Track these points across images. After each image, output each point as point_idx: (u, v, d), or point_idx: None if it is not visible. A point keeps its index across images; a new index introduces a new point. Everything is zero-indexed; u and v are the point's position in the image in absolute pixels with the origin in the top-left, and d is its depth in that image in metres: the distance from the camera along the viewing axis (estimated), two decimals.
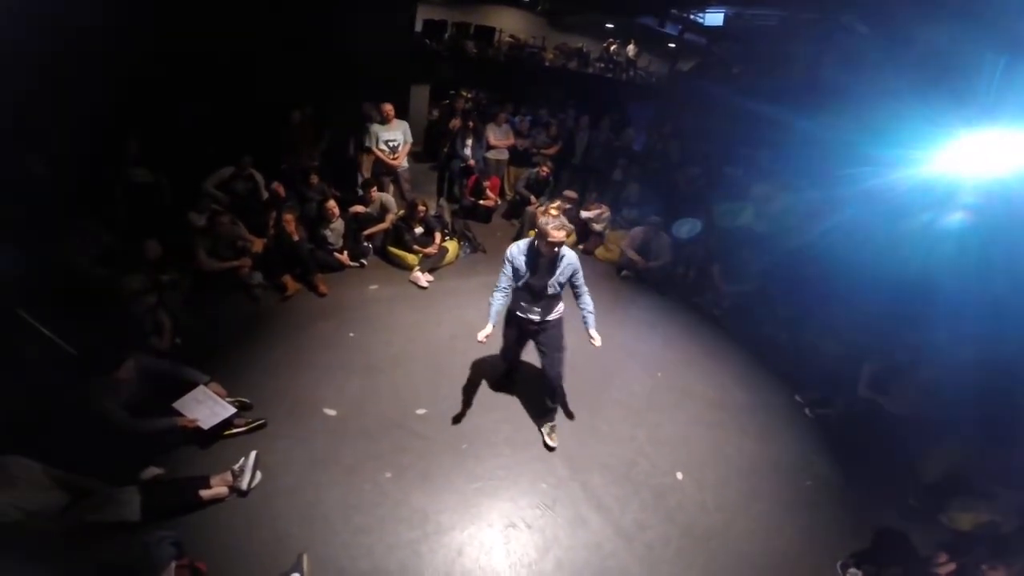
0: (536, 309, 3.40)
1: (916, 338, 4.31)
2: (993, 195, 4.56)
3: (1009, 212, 4.45)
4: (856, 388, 4.36)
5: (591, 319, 3.28)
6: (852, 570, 3.16)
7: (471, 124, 7.03)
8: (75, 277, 3.96)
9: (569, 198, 6.96)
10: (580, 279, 3.25)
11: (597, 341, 3.26)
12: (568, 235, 6.42)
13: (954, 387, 3.89)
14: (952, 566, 2.97)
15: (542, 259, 3.17)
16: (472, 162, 7.21)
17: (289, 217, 5.03)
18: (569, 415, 3.98)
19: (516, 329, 3.63)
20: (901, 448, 3.95)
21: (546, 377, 3.63)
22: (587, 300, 3.30)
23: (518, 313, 3.48)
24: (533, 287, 3.28)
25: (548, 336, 3.50)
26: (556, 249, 3.06)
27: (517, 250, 3.22)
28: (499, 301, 3.31)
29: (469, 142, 7.11)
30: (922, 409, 4.00)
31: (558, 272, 3.19)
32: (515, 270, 3.23)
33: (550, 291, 3.25)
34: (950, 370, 3.98)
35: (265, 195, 5.66)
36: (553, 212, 2.97)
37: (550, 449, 3.66)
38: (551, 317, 3.45)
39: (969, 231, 4.72)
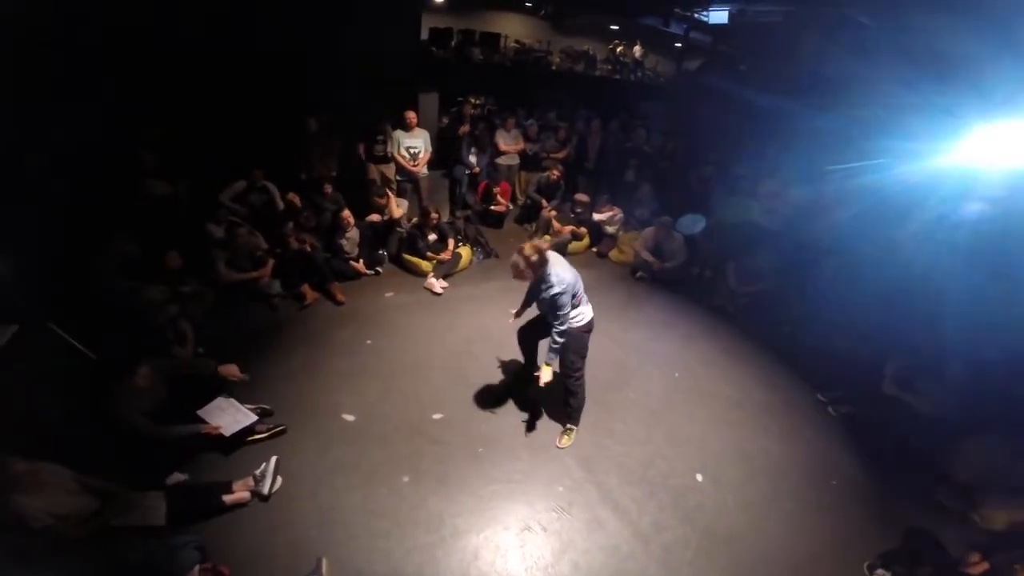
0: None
1: (940, 334, 4.24)
2: (1011, 187, 4.50)
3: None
4: (880, 386, 4.26)
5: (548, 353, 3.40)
6: (880, 571, 3.09)
7: (476, 131, 7.03)
8: (99, 288, 4.06)
9: (580, 202, 7.00)
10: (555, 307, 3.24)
11: (542, 378, 3.43)
12: (584, 237, 6.37)
13: (982, 383, 3.81)
14: (985, 566, 2.87)
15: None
16: (477, 169, 7.22)
17: (292, 235, 5.16)
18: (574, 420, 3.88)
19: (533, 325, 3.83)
20: (929, 446, 3.84)
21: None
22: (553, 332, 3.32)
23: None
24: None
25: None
26: (525, 280, 3.27)
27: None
28: None
29: (474, 149, 7.12)
30: (949, 407, 3.89)
31: (543, 296, 3.28)
32: None
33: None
34: (977, 366, 3.88)
35: (281, 205, 5.75)
36: (526, 249, 3.14)
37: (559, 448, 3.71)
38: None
39: (988, 223, 4.65)
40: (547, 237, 6.82)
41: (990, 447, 3.59)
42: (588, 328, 3.50)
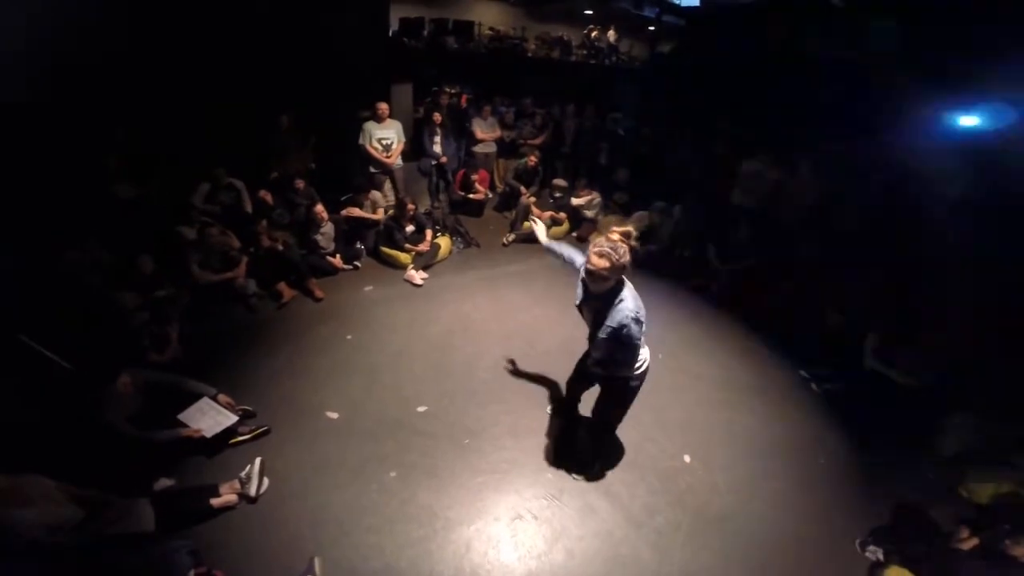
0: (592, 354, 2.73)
1: (918, 306, 4.31)
2: (983, 161, 4.57)
3: (997, 175, 4.47)
4: (861, 360, 4.32)
5: None
6: (871, 548, 3.11)
7: (438, 119, 6.89)
8: (71, 295, 3.95)
9: (559, 187, 6.99)
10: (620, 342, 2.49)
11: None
12: (564, 222, 6.24)
13: (961, 354, 3.88)
14: (974, 541, 2.88)
15: (591, 293, 2.59)
16: (444, 159, 7.08)
17: (264, 233, 5.11)
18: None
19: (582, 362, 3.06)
20: (914, 420, 3.89)
21: (592, 419, 3.25)
22: None
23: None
24: (584, 318, 2.73)
25: (608, 389, 3.00)
26: (601, 283, 2.44)
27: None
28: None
29: (437, 139, 6.94)
30: (930, 379, 3.95)
31: (607, 319, 2.46)
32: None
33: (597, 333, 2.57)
34: (956, 337, 3.95)
35: (249, 204, 5.63)
36: (613, 236, 2.44)
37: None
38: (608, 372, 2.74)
39: (962, 196, 4.72)
40: (527, 224, 6.79)
41: (973, 421, 3.64)
42: (644, 378, 2.87)
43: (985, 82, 4.56)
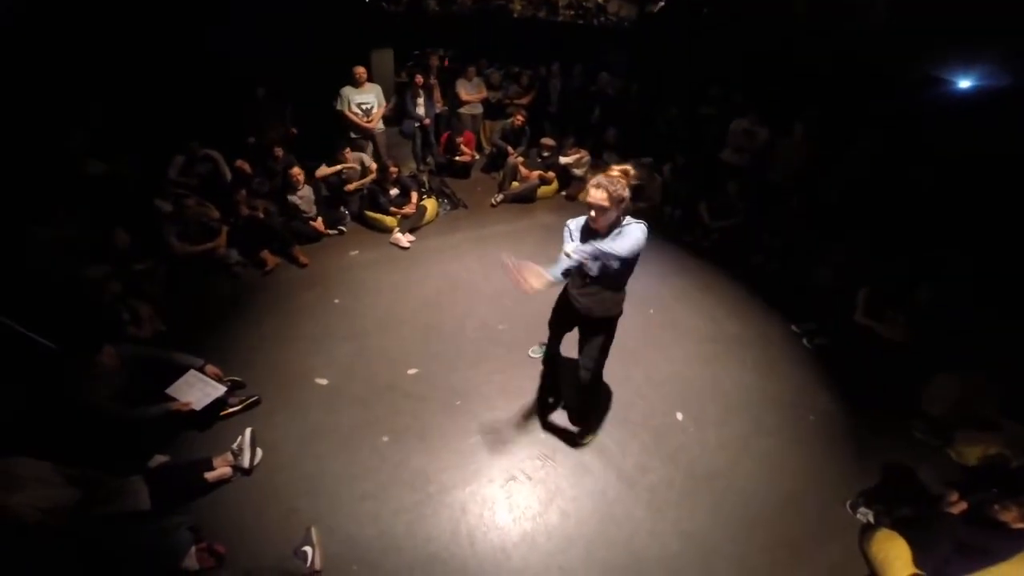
0: (580, 298, 2.83)
1: (908, 262, 4.25)
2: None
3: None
4: (851, 315, 4.25)
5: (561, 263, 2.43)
6: (862, 509, 3.08)
7: (420, 81, 6.75)
8: (39, 271, 3.82)
9: (547, 146, 6.86)
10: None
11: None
12: (552, 181, 6.08)
13: (952, 313, 3.83)
14: (963, 505, 2.78)
15: (592, 234, 2.60)
16: (427, 121, 6.97)
17: (243, 201, 4.98)
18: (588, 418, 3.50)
19: (565, 307, 3.08)
20: (902, 379, 3.81)
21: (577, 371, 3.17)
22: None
23: (569, 290, 2.94)
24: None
25: (590, 332, 2.99)
26: (599, 216, 2.44)
27: (575, 223, 2.70)
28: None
29: (420, 100, 6.81)
30: (919, 335, 3.90)
31: (618, 241, 2.50)
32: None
33: (591, 271, 2.65)
34: (947, 295, 3.91)
35: (228, 173, 5.46)
36: (613, 172, 2.40)
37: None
38: (597, 314, 2.84)
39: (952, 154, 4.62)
40: (515, 184, 6.67)
41: (961, 381, 3.57)
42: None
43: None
